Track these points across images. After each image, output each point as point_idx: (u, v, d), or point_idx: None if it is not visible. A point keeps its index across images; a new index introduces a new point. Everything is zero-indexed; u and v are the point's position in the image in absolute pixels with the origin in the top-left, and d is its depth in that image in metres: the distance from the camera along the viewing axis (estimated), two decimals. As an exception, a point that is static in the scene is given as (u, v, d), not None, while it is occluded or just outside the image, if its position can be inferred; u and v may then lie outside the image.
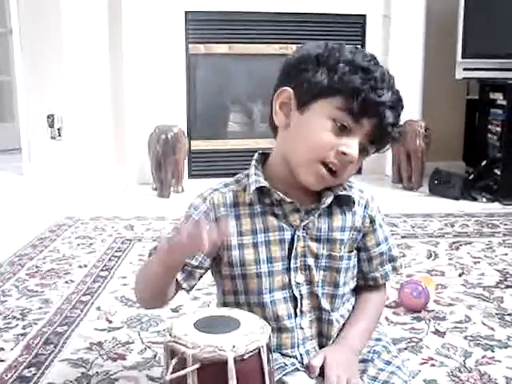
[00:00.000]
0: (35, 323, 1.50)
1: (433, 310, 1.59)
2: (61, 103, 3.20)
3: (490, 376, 1.25)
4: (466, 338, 1.44)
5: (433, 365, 1.30)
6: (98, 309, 1.60)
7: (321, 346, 1.04)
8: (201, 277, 1.03)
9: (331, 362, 0.97)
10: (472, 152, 3.42)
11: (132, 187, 3.21)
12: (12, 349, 1.36)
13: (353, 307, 1.09)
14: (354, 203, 1.04)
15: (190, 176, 3.31)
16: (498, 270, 1.92)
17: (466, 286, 1.79)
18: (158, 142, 2.95)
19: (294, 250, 1.00)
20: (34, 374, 1.24)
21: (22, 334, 1.44)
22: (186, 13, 3.24)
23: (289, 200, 0.99)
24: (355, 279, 1.09)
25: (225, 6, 3.25)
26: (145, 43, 3.19)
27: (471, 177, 3.04)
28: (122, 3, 3.14)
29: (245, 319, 0.76)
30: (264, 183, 0.99)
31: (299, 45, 1.04)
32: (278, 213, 1.00)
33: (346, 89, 0.93)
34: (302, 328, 1.02)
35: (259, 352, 0.71)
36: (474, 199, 2.92)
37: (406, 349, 1.37)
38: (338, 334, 1.05)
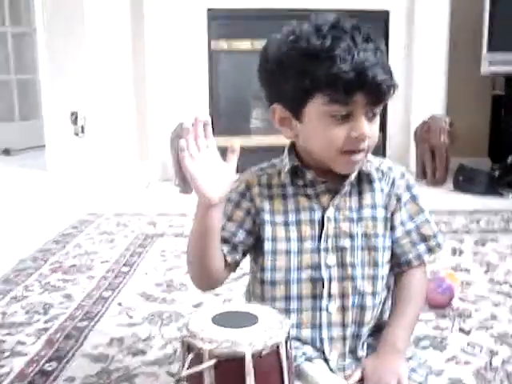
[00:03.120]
0: (57, 318, 1.51)
1: (457, 308, 1.56)
2: (84, 100, 3.21)
3: (516, 375, 1.22)
4: (492, 336, 1.41)
5: (458, 363, 1.28)
6: (120, 304, 1.60)
7: (354, 335, 1.03)
8: (244, 253, 1.05)
9: (370, 372, 0.97)
10: (497, 148, 3.35)
11: (155, 183, 3.22)
12: (34, 343, 1.37)
13: (392, 300, 1.08)
14: (374, 181, 1.04)
15: (213, 172, 3.30)
16: (524, 268, 1.88)
17: (491, 283, 1.75)
18: (180, 139, 2.94)
19: (324, 230, 1.01)
20: (55, 369, 1.25)
21: (43, 329, 1.45)
22: (209, 10, 3.24)
23: (321, 180, 1.01)
24: (389, 265, 1.06)
25: (247, 3, 3.23)
26: (167, 40, 3.19)
27: (497, 173, 2.99)
28: (145, 0, 3.15)
29: (263, 314, 0.74)
30: (297, 163, 1.02)
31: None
32: (310, 193, 1.02)
33: (320, 85, 0.91)
34: (329, 312, 1.01)
35: (278, 348, 0.69)
36: (500, 195, 2.87)
37: (430, 346, 1.35)
38: (376, 326, 1.05)
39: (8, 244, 2.14)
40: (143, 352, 1.32)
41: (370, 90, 0.92)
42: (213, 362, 0.66)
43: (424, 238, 1.07)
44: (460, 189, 2.97)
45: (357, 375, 0.99)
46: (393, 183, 1.05)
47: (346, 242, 1.01)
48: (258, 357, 0.67)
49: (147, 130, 3.29)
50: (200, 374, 0.67)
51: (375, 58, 0.92)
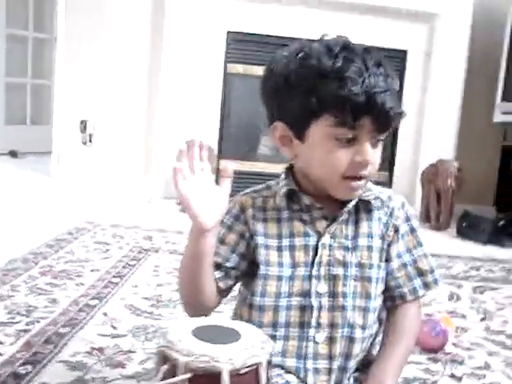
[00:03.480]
0: (38, 321, 1.47)
1: (450, 353, 1.51)
2: (95, 110, 3.22)
3: (505, 428, 1.17)
4: (483, 385, 1.36)
5: (445, 410, 1.23)
6: (105, 314, 1.56)
7: (340, 368, 0.98)
8: (237, 279, 1.02)
9: None
10: (504, 198, 3.33)
11: (156, 200, 3.19)
12: (12, 344, 1.33)
13: (383, 334, 1.04)
14: (373, 209, 1.01)
15: (215, 194, 3.27)
16: (522, 320, 1.83)
17: (487, 331, 1.70)
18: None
19: (317, 257, 0.98)
20: (29, 372, 1.20)
21: (23, 330, 1.41)
22: (228, 33, 3.25)
23: (318, 205, 0.98)
24: (382, 297, 1.03)
25: (267, 30, 3.25)
26: (184, 58, 3.21)
27: (501, 222, 2.95)
28: (165, 17, 3.17)
29: (247, 332, 0.71)
30: (294, 187, 0.99)
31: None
32: (305, 219, 0.99)
33: (327, 105, 0.89)
34: (316, 342, 0.97)
35: (257, 368, 0.65)
36: (503, 245, 2.83)
37: (418, 389, 1.31)
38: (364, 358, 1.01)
39: (0, 243, 2.11)
40: (123, 365, 1.28)
41: (378, 115, 0.90)
42: (188, 375, 0.62)
43: (421, 273, 1.04)
44: (463, 235, 2.94)
45: None
46: (391, 213, 1.02)
47: (339, 271, 0.98)
48: (235, 375, 0.63)
49: (154, 147, 3.28)
50: (173, 388, 0.63)
51: (386, 83, 0.91)
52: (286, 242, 0.98)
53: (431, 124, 3.29)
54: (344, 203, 0.99)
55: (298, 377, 0.97)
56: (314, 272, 0.97)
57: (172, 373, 0.64)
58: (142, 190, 3.17)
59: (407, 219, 1.04)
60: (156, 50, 3.22)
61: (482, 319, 1.81)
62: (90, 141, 3.27)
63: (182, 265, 0.98)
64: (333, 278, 0.98)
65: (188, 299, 0.99)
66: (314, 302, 0.97)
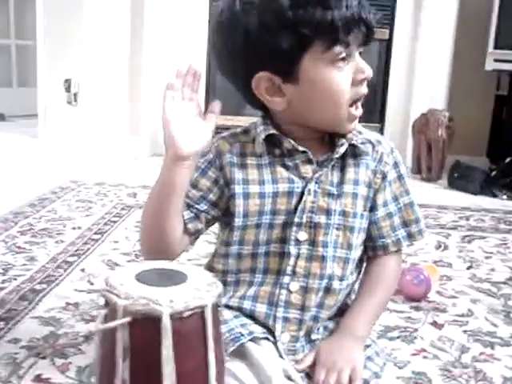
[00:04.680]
0: (15, 279, 1.45)
1: (433, 301, 1.50)
2: (79, 68, 3.15)
3: (485, 374, 1.15)
4: (465, 332, 1.34)
5: (425, 357, 1.21)
6: (83, 270, 1.54)
7: (311, 318, 0.96)
8: (208, 223, 0.97)
9: (324, 355, 0.92)
10: (497, 148, 3.28)
11: (143, 158, 3.15)
12: (-16, 302, 1.32)
13: (359, 285, 1.01)
14: (361, 155, 0.96)
15: (204, 151, 3.23)
16: (509, 267, 1.81)
17: (472, 279, 1.68)
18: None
19: (301, 204, 0.93)
20: (1, 329, 1.18)
21: (-2, 288, 1.39)
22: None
23: (301, 149, 0.93)
24: (362, 247, 1.00)
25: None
26: (168, 10, 3.12)
27: (493, 173, 2.91)
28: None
29: (193, 275, 0.67)
30: (274, 131, 0.93)
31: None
32: (288, 164, 0.94)
33: (318, 29, 0.83)
34: (289, 290, 0.95)
35: (202, 312, 0.62)
36: (494, 196, 2.79)
37: (398, 337, 1.29)
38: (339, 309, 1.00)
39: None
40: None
41: (365, 26, 0.87)
42: (127, 319, 0.59)
43: (405, 223, 1.00)
44: (454, 186, 2.90)
45: (308, 360, 0.93)
46: (380, 159, 0.97)
47: (321, 219, 0.94)
48: (178, 319, 0.60)
49: (140, 105, 3.22)
50: (113, 333, 0.61)
51: None
52: (268, 188, 0.93)
53: (422, 74, 3.21)
54: (329, 147, 0.95)
55: (265, 327, 0.95)
56: (296, 219, 0.93)
57: (112, 317, 0.61)
58: (128, 148, 3.13)
59: (396, 165, 0.99)
60: (138, 6, 3.14)
61: (469, 267, 1.79)
62: (75, 100, 3.21)
63: (149, 199, 0.93)
64: (314, 227, 0.94)
65: (151, 242, 0.94)
66: (293, 249, 0.93)
